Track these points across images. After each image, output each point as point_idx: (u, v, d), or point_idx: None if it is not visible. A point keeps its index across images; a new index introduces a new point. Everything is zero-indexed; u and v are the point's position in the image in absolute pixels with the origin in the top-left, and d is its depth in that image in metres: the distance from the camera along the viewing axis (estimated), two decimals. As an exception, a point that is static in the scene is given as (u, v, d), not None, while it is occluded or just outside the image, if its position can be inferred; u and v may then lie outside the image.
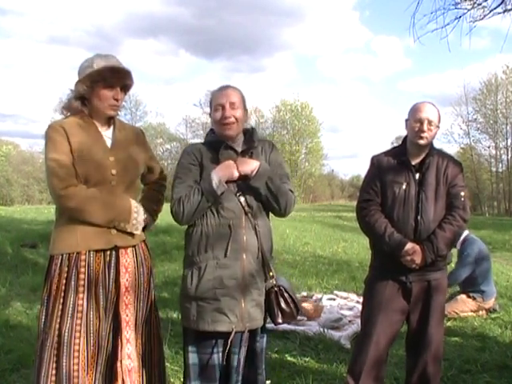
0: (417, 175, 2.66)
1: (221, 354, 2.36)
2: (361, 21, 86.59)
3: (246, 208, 2.34)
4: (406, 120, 2.72)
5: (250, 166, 2.34)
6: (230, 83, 2.48)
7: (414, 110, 2.67)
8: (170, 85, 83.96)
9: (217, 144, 2.38)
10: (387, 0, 74.58)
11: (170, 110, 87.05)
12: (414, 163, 2.68)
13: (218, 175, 2.30)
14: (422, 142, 2.62)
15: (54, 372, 2.19)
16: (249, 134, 2.47)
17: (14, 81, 76.10)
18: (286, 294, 2.40)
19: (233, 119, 2.35)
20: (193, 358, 2.37)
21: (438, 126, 2.66)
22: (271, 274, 2.40)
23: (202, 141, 2.54)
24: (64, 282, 2.23)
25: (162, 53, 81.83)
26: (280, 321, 2.41)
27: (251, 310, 2.33)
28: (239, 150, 2.40)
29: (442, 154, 2.75)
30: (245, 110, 2.44)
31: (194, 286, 2.30)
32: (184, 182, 2.36)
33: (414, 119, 2.64)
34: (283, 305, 2.39)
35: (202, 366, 2.35)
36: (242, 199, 2.34)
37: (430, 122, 2.61)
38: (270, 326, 2.66)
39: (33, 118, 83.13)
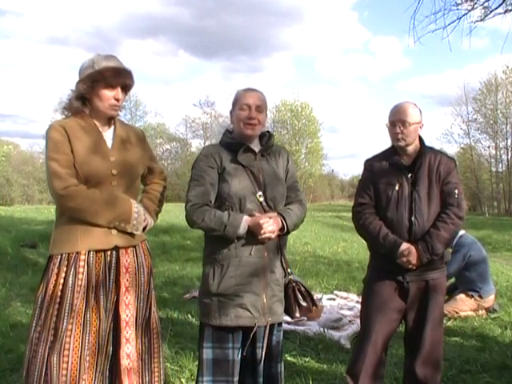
0: (409, 175, 2.65)
1: (238, 350, 2.40)
2: (359, 21, 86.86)
3: (266, 208, 2.39)
4: (387, 125, 2.74)
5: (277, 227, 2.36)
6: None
7: (389, 115, 2.71)
8: (169, 85, 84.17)
9: (235, 146, 2.42)
10: (386, 0, 74.56)
11: (169, 110, 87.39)
12: (405, 164, 2.68)
13: (246, 227, 2.30)
14: (400, 143, 2.64)
15: (45, 371, 2.18)
16: (266, 137, 2.52)
17: (13, 81, 76.33)
18: (302, 289, 2.49)
19: (257, 121, 2.41)
20: (208, 353, 2.40)
21: (416, 123, 2.64)
22: (289, 270, 2.49)
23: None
24: (61, 281, 2.23)
25: (161, 53, 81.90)
26: (298, 315, 2.48)
27: (273, 305, 2.39)
28: (256, 150, 2.44)
29: (434, 151, 2.73)
30: (266, 115, 2.50)
31: (217, 283, 2.35)
32: (201, 185, 2.38)
33: (390, 123, 2.68)
34: (301, 299, 2.47)
35: (218, 361, 2.39)
36: (262, 199, 2.38)
37: (402, 123, 2.61)
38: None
39: (32, 118, 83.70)
